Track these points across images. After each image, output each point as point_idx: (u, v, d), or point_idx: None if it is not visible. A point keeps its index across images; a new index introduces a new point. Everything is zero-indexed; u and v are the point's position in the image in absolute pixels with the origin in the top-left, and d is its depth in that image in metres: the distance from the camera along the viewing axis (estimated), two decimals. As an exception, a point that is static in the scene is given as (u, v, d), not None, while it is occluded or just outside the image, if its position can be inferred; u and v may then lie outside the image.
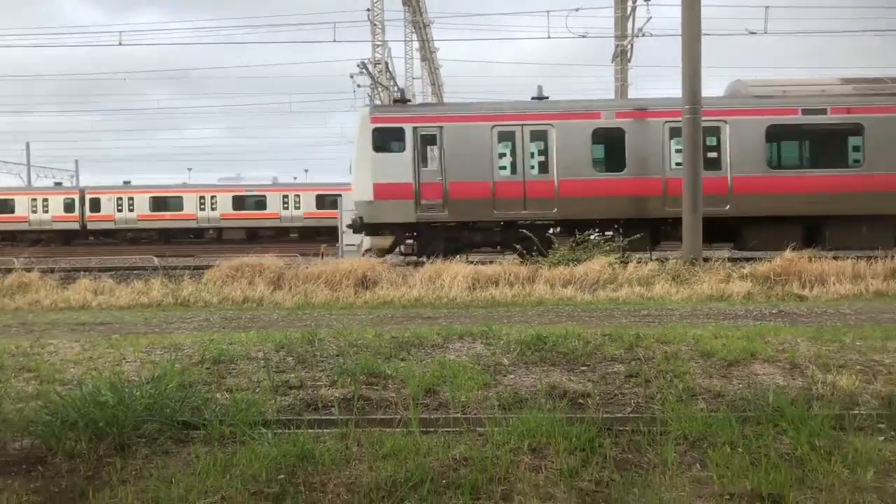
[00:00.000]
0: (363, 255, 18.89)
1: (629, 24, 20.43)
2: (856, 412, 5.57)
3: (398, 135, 19.09)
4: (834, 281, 13.90)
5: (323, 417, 5.80)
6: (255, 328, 10.66)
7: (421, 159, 19.05)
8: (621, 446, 5.05)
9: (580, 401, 6.25)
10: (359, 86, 33.09)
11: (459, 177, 18.86)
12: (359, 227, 19.52)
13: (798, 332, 8.98)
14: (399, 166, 18.81)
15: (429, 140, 19.12)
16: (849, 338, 8.37)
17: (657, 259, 16.68)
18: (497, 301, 13.43)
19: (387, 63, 35.49)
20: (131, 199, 47.65)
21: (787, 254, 15.02)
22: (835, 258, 15.41)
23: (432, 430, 5.37)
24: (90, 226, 48.05)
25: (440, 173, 18.96)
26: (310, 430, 5.34)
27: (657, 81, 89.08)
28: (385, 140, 18.86)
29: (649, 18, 19.77)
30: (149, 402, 5.53)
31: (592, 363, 7.47)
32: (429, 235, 19.49)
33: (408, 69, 48.25)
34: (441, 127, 19.07)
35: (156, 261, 23.88)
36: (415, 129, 19.03)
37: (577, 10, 21.03)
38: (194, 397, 6.02)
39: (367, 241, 19.47)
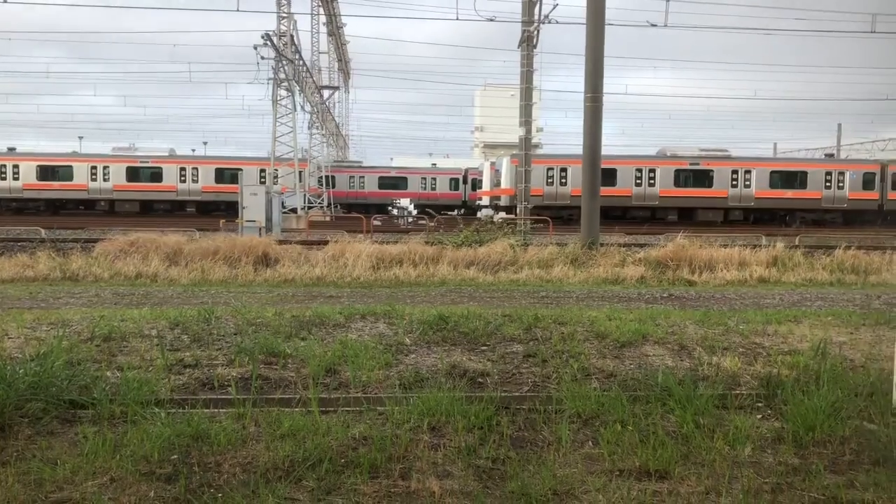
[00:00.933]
0: None
1: (536, 10, 20.62)
2: (737, 392, 5.88)
3: None
4: (722, 267, 14.60)
5: (219, 397, 5.66)
6: (148, 305, 10.31)
7: None
8: (518, 424, 5.15)
9: (480, 380, 6.34)
10: (262, 58, 32.28)
11: None
12: None
13: (687, 315, 9.40)
14: None
15: None
16: (733, 321, 8.82)
17: (556, 243, 17.06)
18: (401, 281, 13.46)
19: (292, 36, 34.72)
20: (16, 166, 45.01)
21: (679, 239, 15.65)
22: (723, 246, 16.16)
23: (332, 409, 5.33)
24: (-31, 194, 45.14)
25: None
26: (205, 410, 5.20)
27: (562, 69, 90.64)
28: None
29: (556, 5, 20.06)
30: (33, 380, 5.26)
31: (492, 343, 7.60)
32: None
33: (314, 43, 47.40)
34: None
35: (43, 232, 22.70)
36: None
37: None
38: (83, 375, 5.77)
39: None
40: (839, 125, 60.98)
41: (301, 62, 38.41)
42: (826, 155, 50.90)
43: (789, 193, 40.51)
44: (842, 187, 40.80)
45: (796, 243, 20.15)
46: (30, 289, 11.92)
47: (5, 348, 6.92)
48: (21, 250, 15.55)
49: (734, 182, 40.21)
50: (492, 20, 21.80)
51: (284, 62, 34.48)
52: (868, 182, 41.03)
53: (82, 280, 13.08)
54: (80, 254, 14.49)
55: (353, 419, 5.14)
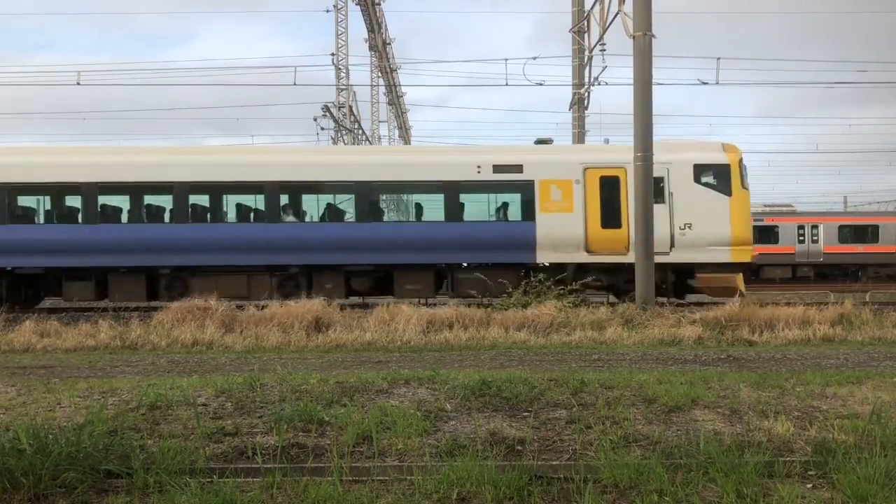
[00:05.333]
0: None
1: (586, 73, 20.82)
2: (787, 459, 5.58)
3: None
4: (783, 326, 14.09)
5: (251, 466, 5.66)
6: (199, 373, 10.46)
7: None
8: (552, 494, 4.99)
9: (518, 447, 6.19)
10: (322, 128, 33.28)
11: None
12: None
13: (742, 377, 9.04)
14: None
15: None
16: (790, 383, 8.45)
17: (611, 303, 16.78)
18: (451, 344, 13.37)
19: (351, 107, 35.75)
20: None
21: (738, 299, 15.22)
22: (787, 304, 15.63)
23: (364, 479, 5.27)
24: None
25: None
26: (236, 480, 5.20)
27: (612, 129, 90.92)
28: None
29: (605, 67, 20.24)
30: (71, 450, 5.36)
31: (535, 409, 7.43)
32: None
33: (374, 113, 48.66)
34: None
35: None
36: None
37: (534, 58, 21.45)
38: (121, 445, 5.86)
39: None
40: (913, 175, 58.96)
41: (360, 131, 39.41)
42: None
43: (861, 248, 39.16)
44: None
45: (867, 299, 19.35)
46: (90, 357, 12.26)
47: (55, 417, 7.08)
48: (86, 320, 16.02)
49: (801, 237, 39.15)
50: (540, 84, 22.11)
51: (344, 132, 35.43)
52: None
53: (140, 348, 13.39)
54: (139, 323, 14.88)
55: (382, 489, 5.06)
